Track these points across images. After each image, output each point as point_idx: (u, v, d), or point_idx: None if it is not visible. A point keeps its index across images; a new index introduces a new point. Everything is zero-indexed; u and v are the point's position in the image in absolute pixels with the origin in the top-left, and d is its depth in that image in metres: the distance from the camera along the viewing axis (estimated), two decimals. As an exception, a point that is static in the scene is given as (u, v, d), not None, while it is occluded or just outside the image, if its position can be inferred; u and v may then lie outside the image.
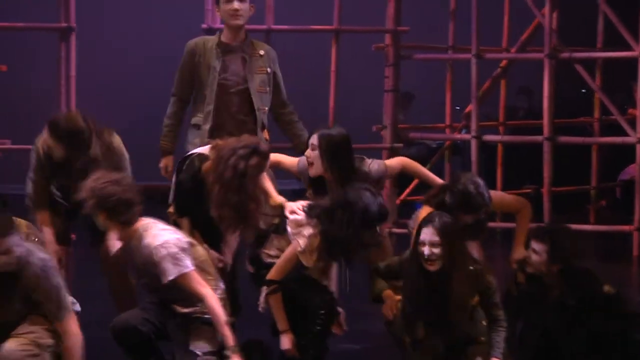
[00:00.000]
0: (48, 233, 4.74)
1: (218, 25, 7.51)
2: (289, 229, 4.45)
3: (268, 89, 5.24)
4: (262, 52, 5.25)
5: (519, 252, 4.69)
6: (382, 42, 7.73)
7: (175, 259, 4.19)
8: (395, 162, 4.97)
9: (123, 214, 4.21)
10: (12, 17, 7.77)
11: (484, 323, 4.36)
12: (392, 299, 4.49)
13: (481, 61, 7.55)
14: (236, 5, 5.18)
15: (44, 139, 4.74)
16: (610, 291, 4.45)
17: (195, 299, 4.28)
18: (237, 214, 4.38)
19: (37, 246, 4.16)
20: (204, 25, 7.48)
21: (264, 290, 4.39)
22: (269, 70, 5.24)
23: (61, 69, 7.39)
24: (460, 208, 4.50)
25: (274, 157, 4.83)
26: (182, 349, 4.28)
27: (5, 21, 7.70)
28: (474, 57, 7.50)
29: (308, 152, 4.75)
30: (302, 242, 4.33)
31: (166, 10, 9.49)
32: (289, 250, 4.38)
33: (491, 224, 6.51)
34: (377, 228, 4.43)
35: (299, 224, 4.39)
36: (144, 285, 4.37)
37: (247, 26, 5.42)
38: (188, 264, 4.22)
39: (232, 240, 4.72)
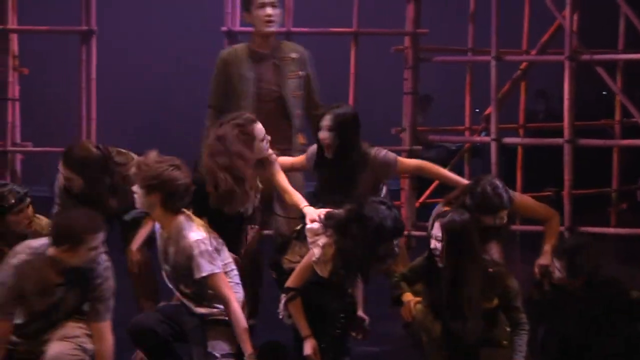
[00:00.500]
0: None
1: (238, 28, 7.53)
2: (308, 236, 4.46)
3: (301, 92, 5.23)
4: (293, 55, 5.22)
5: (544, 259, 4.66)
6: (401, 45, 7.72)
7: (210, 257, 4.23)
8: (411, 162, 4.98)
9: (178, 200, 4.22)
10: (34, 21, 7.82)
11: (507, 328, 4.35)
12: (411, 301, 4.49)
13: (501, 63, 7.52)
14: (269, 10, 5.14)
15: (61, 173, 4.79)
16: (639, 297, 4.43)
17: (215, 300, 4.29)
18: (227, 177, 4.35)
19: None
20: (224, 28, 7.49)
21: (283, 297, 4.39)
22: (301, 73, 5.23)
23: (82, 72, 7.43)
24: (478, 209, 4.50)
25: (283, 160, 4.84)
26: (200, 350, 4.29)
27: (27, 24, 7.75)
28: (494, 60, 7.47)
29: (324, 133, 4.73)
30: (316, 251, 4.33)
31: (186, 13, 9.52)
32: (305, 259, 4.40)
33: (511, 227, 6.49)
34: (393, 241, 4.43)
35: (315, 233, 4.40)
36: (167, 273, 4.36)
37: None
38: (219, 265, 4.25)
39: (252, 241, 4.73)
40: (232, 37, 7.60)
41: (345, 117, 4.75)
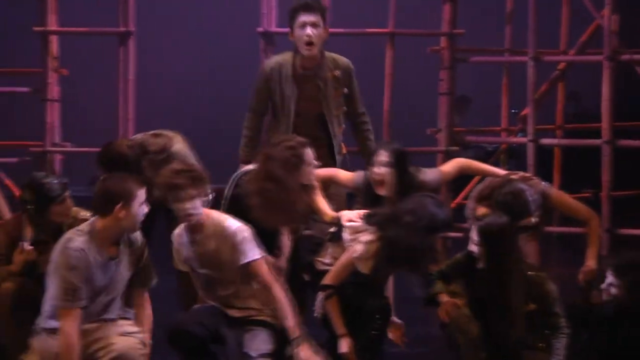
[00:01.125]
0: None
1: (274, 28, 7.55)
2: (345, 235, 4.46)
3: (344, 108, 5.21)
4: (337, 73, 5.17)
5: (590, 265, 4.61)
6: (437, 45, 7.69)
7: (253, 243, 4.29)
8: (451, 166, 4.92)
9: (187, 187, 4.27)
10: (73, 22, 7.90)
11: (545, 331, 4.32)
12: (449, 301, 4.46)
13: (538, 64, 7.47)
14: (309, 30, 5.06)
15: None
16: None
17: (251, 299, 4.31)
18: (271, 202, 4.36)
19: None
20: (260, 29, 7.51)
21: (320, 295, 4.40)
22: (345, 90, 5.20)
23: (120, 73, 7.50)
24: (505, 214, 4.46)
25: (328, 171, 4.84)
26: (236, 351, 4.31)
27: (66, 26, 7.84)
28: (531, 60, 7.42)
29: (378, 170, 4.68)
30: (359, 248, 4.33)
31: (222, 14, 9.57)
32: (345, 256, 4.40)
33: (548, 228, 6.44)
34: (439, 235, 4.40)
35: (356, 230, 4.40)
36: (203, 278, 4.39)
37: None
38: (261, 251, 4.29)
39: (286, 247, 4.74)
40: (268, 37, 7.62)
41: (403, 152, 4.67)
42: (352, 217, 4.47)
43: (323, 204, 4.63)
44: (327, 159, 5.08)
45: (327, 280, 4.39)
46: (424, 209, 4.28)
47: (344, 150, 5.27)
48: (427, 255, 4.34)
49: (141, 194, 4.18)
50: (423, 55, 7.80)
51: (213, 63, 9.39)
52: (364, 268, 4.34)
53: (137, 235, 4.29)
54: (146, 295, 4.33)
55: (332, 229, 4.61)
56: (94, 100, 8.67)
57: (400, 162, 4.67)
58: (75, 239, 4.14)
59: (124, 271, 4.23)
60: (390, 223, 4.30)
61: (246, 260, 4.26)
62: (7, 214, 4.97)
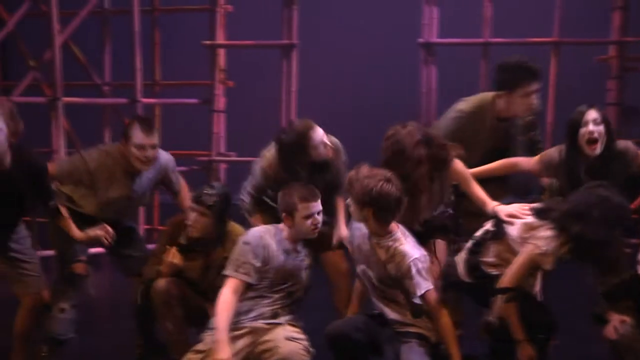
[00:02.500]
0: None
1: (434, 39, 7.53)
2: (512, 232, 4.35)
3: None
4: (527, 119, 5.06)
5: None
6: (603, 54, 7.47)
7: (426, 274, 4.30)
8: None
9: (390, 213, 4.30)
10: (239, 36, 8.16)
11: None
12: (617, 318, 4.31)
13: None
14: (535, 100, 4.86)
15: (269, 162, 4.94)
16: None
17: (412, 311, 4.32)
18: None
19: None
20: (421, 40, 7.52)
21: (498, 299, 4.27)
22: (532, 134, 5.12)
23: (283, 84, 7.68)
24: None
25: (509, 160, 4.76)
26: (393, 362, 4.33)
27: (232, 39, 8.10)
28: None
29: (594, 127, 4.54)
30: (542, 244, 4.22)
31: (382, 26, 9.62)
32: (524, 255, 4.26)
33: None
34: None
35: (531, 227, 4.30)
36: (372, 280, 4.43)
37: (462, 39, 5.23)
38: (431, 281, 4.32)
39: (442, 252, 4.68)
40: (429, 48, 7.62)
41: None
42: (513, 212, 4.38)
43: (482, 193, 4.58)
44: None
45: (505, 282, 4.25)
46: (609, 201, 4.14)
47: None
48: (615, 248, 4.20)
49: (304, 207, 4.43)
50: (588, 64, 7.59)
51: (373, 74, 9.45)
52: (547, 264, 4.21)
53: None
54: None
55: (487, 227, 4.46)
56: (257, 111, 8.89)
57: (607, 118, 4.58)
58: (260, 229, 4.54)
59: (308, 270, 4.51)
60: (573, 219, 4.17)
61: (420, 294, 4.29)
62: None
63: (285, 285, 4.49)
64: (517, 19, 8.71)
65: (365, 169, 4.33)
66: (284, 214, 4.48)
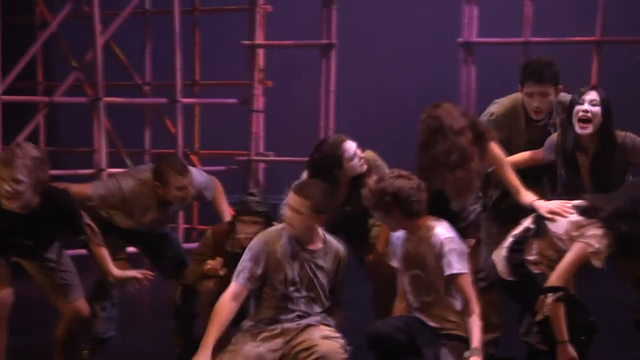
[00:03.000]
0: None
1: (474, 38, 7.50)
2: (556, 230, 4.29)
3: None
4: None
5: None
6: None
7: (461, 256, 4.28)
8: None
9: (415, 205, 4.29)
10: (277, 36, 8.18)
11: None
12: None
13: None
14: (537, 103, 4.76)
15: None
16: None
17: (449, 311, 4.30)
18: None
19: None
20: (460, 40, 7.49)
21: (548, 297, 4.18)
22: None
23: (322, 84, 7.69)
24: None
25: (517, 157, 4.74)
26: (431, 363, 4.31)
27: (271, 39, 8.13)
28: None
29: (591, 108, 4.53)
30: (594, 242, 4.17)
31: (421, 25, 9.58)
32: (574, 254, 4.19)
33: None
34: None
35: (580, 225, 4.24)
36: (410, 279, 4.41)
37: (502, 39, 5.11)
38: (467, 267, 4.29)
39: (474, 250, 4.65)
40: (469, 48, 7.59)
41: (607, 94, 4.56)
42: (554, 209, 4.32)
43: (518, 181, 4.54)
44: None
45: (554, 281, 4.18)
46: None
47: None
48: None
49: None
50: (630, 63, 7.50)
51: (412, 74, 9.41)
52: (598, 262, 4.15)
53: (336, 244, 4.46)
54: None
55: (527, 224, 4.41)
56: (296, 111, 8.91)
57: (607, 102, 4.54)
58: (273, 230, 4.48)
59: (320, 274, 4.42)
60: (621, 217, 4.13)
61: (452, 272, 4.26)
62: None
63: (304, 294, 4.40)
64: (557, 18, 8.63)
65: (371, 182, 4.34)
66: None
